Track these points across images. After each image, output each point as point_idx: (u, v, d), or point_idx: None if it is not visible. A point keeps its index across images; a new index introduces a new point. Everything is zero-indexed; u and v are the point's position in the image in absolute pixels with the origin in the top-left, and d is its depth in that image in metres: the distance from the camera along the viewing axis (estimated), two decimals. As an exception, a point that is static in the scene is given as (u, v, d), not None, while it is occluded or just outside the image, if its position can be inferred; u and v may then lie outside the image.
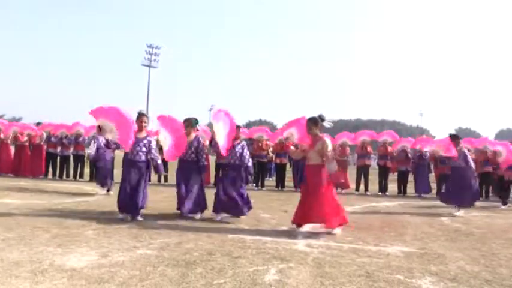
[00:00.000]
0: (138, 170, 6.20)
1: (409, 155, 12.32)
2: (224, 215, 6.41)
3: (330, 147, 5.68)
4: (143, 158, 6.22)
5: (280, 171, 12.75)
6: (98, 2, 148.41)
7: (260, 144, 12.49)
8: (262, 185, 12.44)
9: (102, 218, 6.14)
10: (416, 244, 5.09)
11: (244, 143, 6.70)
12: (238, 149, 6.51)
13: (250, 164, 6.59)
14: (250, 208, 6.47)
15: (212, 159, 13.20)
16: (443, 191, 9.69)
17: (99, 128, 6.85)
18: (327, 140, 5.74)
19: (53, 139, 13.02)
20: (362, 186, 12.32)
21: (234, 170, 6.50)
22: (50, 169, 13.25)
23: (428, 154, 12.54)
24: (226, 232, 5.33)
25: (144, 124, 6.31)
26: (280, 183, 12.48)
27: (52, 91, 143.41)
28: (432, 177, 13.28)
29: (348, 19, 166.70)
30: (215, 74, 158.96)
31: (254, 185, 12.60)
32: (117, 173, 12.54)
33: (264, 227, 5.90)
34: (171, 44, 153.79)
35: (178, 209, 6.53)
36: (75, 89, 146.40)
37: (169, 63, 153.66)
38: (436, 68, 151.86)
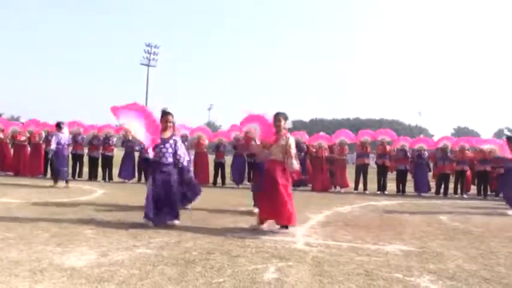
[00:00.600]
0: (168, 172, 5.75)
1: (408, 154, 12.35)
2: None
3: (293, 145, 5.68)
4: (170, 159, 5.78)
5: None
6: (96, 1, 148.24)
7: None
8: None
9: (101, 217, 6.14)
10: (415, 243, 5.11)
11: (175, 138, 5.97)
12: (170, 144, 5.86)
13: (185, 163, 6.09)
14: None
15: (211, 158, 13.21)
16: (504, 192, 9.31)
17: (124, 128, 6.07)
18: (291, 137, 5.74)
19: (50, 138, 13.00)
20: (361, 185, 12.35)
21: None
22: (49, 168, 13.23)
23: (427, 153, 12.60)
24: (226, 231, 5.33)
25: (169, 124, 5.87)
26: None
27: (50, 90, 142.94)
28: (431, 176, 13.35)
29: (347, 19, 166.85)
30: (214, 73, 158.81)
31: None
32: (115, 172, 12.58)
33: (263, 225, 5.90)
34: (169, 43, 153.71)
35: None
36: (73, 88, 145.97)
37: (168, 62, 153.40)
38: (435, 68, 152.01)
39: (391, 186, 12.59)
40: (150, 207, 5.56)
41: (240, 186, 12.42)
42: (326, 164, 12.50)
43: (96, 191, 9.70)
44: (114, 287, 3.12)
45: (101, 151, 13.00)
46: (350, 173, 12.77)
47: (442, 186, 12.26)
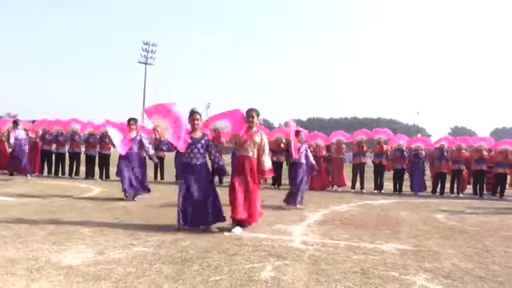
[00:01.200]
0: (199, 174, 5.42)
1: (405, 153, 12.37)
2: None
3: (267, 142, 5.63)
4: (201, 160, 5.46)
5: (276, 169, 12.75)
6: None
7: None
8: (259, 183, 12.44)
9: (98, 215, 6.14)
10: (411, 241, 5.13)
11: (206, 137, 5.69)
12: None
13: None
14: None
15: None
16: None
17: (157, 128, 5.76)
18: (265, 134, 5.67)
19: (47, 136, 12.98)
20: (358, 184, 12.37)
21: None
22: (46, 167, 13.20)
23: (424, 153, 12.64)
24: (223, 230, 5.34)
25: (197, 122, 5.56)
26: (276, 182, 12.50)
27: (48, 88, 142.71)
28: (428, 175, 13.38)
29: (345, 19, 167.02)
30: (212, 72, 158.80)
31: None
32: (112, 170, 12.56)
33: (260, 224, 5.91)
34: (167, 41, 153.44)
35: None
36: (71, 87, 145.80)
37: (165, 60, 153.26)
38: (432, 67, 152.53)
39: (388, 185, 12.62)
40: (183, 213, 5.29)
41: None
42: (323, 163, 12.52)
43: (93, 190, 9.69)
44: (111, 285, 3.13)
45: (98, 149, 12.96)
46: (347, 172, 12.80)
47: (439, 185, 12.30)
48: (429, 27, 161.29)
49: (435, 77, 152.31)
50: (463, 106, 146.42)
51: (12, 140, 11.08)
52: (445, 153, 12.32)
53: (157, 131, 5.41)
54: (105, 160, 12.78)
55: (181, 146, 5.38)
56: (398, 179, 12.40)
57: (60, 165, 13.12)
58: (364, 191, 12.07)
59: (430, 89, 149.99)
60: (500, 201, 10.97)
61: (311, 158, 8.37)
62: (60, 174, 13.04)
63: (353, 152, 13.05)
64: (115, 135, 7.93)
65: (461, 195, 12.07)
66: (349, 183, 12.53)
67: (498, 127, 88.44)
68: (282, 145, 12.56)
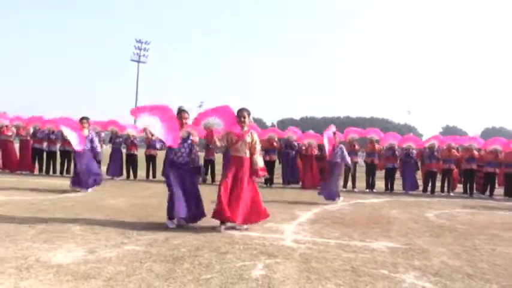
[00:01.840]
0: (184, 172, 5.57)
1: (397, 152, 12.46)
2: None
3: (258, 141, 5.65)
4: (186, 159, 5.62)
5: (268, 168, 12.77)
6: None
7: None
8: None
9: (89, 214, 6.10)
10: (402, 240, 5.18)
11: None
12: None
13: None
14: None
15: (201, 155, 13.17)
16: None
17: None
18: (255, 133, 5.68)
19: (39, 134, 12.86)
20: (350, 183, 12.44)
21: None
22: (37, 165, 13.09)
23: (415, 152, 12.74)
24: (214, 228, 5.34)
25: (185, 121, 5.65)
26: (268, 180, 12.52)
27: (40, 87, 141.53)
28: (419, 174, 13.49)
29: (337, 18, 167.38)
30: (205, 70, 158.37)
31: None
32: (103, 169, 12.48)
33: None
34: (160, 39, 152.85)
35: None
36: (63, 85, 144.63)
37: (158, 58, 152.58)
38: (424, 67, 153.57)
39: (380, 184, 12.71)
40: (181, 207, 5.32)
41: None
42: (316, 162, 12.57)
43: (85, 188, 9.62)
44: (101, 284, 3.12)
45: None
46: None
47: (429, 184, 12.41)
48: (421, 27, 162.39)
49: (427, 77, 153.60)
50: (454, 106, 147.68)
51: None
52: (436, 153, 12.42)
53: (148, 131, 5.42)
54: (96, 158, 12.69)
55: (173, 143, 5.38)
56: (389, 178, 12.50)
57: (52, 164, 13.02)
58: (355, 189, 12.14)
59: (421, 88, 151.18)
60: (490, 200, 11.10)
61: (347, 157, 9.02)
62: (51, 172, 12.94)
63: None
64: (71, 134, 8.54)
65: (451, 194, 12.19)
66: (341, 182, 12.57)
67: (488, 127, 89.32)
68: (275, 143, 12.60)
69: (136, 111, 5.57)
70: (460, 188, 12.96)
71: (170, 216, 5.47)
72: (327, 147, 8.80)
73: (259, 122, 62.43)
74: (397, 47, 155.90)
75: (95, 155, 9.23)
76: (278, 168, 13.83)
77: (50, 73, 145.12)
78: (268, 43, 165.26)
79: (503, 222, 7.16)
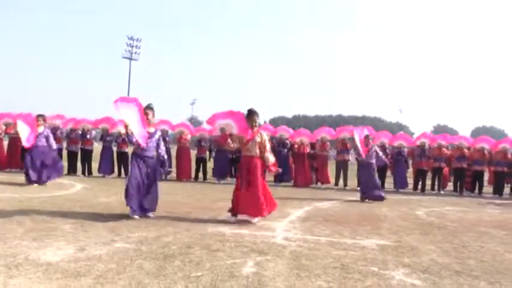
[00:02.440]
0: (149, 165, 5.92)
1: (387, 150, 12.54)
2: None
3: (267, 140, 6.14)
4: (152, 153, 6.00)
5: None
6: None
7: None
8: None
9: (79, 211, 6.07)
10: (392, 237, 5.22)
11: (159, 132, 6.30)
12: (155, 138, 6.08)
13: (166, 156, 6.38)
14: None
15: (193, 153, 13.16)
16: None
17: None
18: (264, 132, 6.22)
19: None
20: (341, 181, 12.50)
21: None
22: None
23: (406, 150, 12.85)
24: (206, 226, 5.35)
25: (149, 117, 6.00)
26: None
27: (30, 83, 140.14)
28: (410, 172, 13.59)
29: (329, 18, 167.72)
30: (197, 68, 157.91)
31: (234, 179, 12.62)
32: (95, 166, 12.40)
33: (243, 220, 5.93)
34: (152, 36, 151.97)
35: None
36: (54, 82, 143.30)
37: (150, 56, 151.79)
38: (416, 67, 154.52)
39: (371, 182, 12.76)
40: (135, 200, 5.74)
41: (222, 181, 12.41)
42: (308, 160, 12.61)
43: (76, 186, 9.58)
44: (91, 282, 3.11)
45: (80, 145, 12.80)
46: (331, 169, 12.91)
47: (420, 182, 12.51)
48: (412, 27, 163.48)
49: (418, 76, 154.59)
50: (445, 105, 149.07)
51: None
52: (426, 151, 12.53)
53: (129, 129, 5.68)
54: (87, 156, 12.64)
55: (143, 142, 5.75)
56: (380, 176, 12.55)
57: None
58: (347, 188, 12.20)
59: (413, 87, 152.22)
60: (479, 198, 11.22)
61: (381, 157, 9.61)
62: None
63: (337, 149, 13.17)
64: (23, 130, 9.02)
65: (442, 192, 12.31)
66: (332, 180, 12.65)
67: (479, 126, 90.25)
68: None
69: (118, 104, 5.73)
70: (450, 186, 13.08)
71: (129, 205, 5.77)
72: (360, 148, 9.11)
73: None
74: (389, 46, 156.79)
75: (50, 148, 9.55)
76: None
77: (40, 71, 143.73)
78: (261, 41, 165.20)
79: (491, 220, 7.26)
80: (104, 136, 12.79)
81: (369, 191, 9.10)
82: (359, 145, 9.12)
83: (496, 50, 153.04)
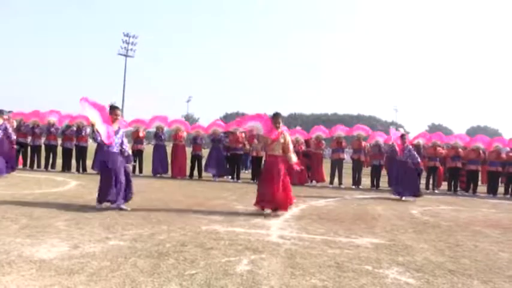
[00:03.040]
0: (116, 160, 6.39)
1: (382, 149, 12.57)
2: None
3: (290, 141, 6.72)
4: (117, 149, 6.48)
5: (256, 164, 12.79)
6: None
7: (236, 137, 12.49)
8: (238, 178, 12.48)
9: (73, 209, 6.03)
10: (386, 236, 5.24)
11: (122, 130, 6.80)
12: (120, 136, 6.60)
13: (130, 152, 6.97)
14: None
15: (188, 151, 13.13)
16: None
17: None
18: (287, 134, 6.78)
19: (23, 128, 12.63)
20: (336, 180, 12.52)
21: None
22: (21, 159, 12.86)
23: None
24: (200, 224, 5.34)
25: (117, 117, 6.60)
26: (256, 176, 12.51)
27: (24, 81, 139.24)
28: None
29: (324, 17, 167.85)
30: (193, 65, 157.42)
31: (230, 177, 12.62)
32: (89, 163, 12.33)
33: (238, 218, 5.94)
34: (148, 33, 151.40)
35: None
36: (50, 78, 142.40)
37: (146, 53, 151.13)
38: (411, 66, 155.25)
39: (366, 180, 12.82)
40: (111, 191, 6.20)
41: (217, 179, 12.38)
42: (303, 158, 12.60)
43: (70, 182, 9.53)
44: (84, 279, 3.09)
45: (74, 142, 12.72)
46: (326, 168, 12.93)
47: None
48: (407, 26, 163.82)
49: (414, 76, 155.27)
50: (441, 104, 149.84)
51: None
52: (421, 150, 12.56)
53: (95, 129, 6.13)
54: (82, 153, 12.57)
55: (107, 140, 6.24)
56: (375, 175, 12.61)
57: (36, 158, 12.81)
58: (342, 186, 12.23)
59: (408, 87, 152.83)
60: (473, 198, 11.28)
61: (415, 157, 9.83)
62: (35, 167, 12.74)
63: (332, 148, 13.19)
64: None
65: (436, 191, 12.36)
66: (327, 179, 12.67)
67: (474, 125, 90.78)
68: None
69: (83, 102, 6.23)
70: (444, 185, 13.14)
71: (100, 200, 6.24)
72: (397, 147, 9.92)
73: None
74: (384, 46, 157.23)
75: (11, 143, 10.17)
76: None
77: (35, 67, 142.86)
78: (257, 39, 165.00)
79: (485, 219, 7.30)
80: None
81: (406, 190, 9.51)
82: (395, 144, 9.86)
83: (491, 50, 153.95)
